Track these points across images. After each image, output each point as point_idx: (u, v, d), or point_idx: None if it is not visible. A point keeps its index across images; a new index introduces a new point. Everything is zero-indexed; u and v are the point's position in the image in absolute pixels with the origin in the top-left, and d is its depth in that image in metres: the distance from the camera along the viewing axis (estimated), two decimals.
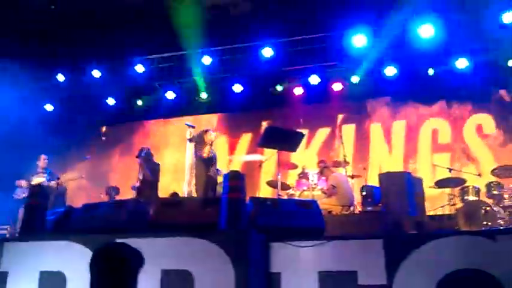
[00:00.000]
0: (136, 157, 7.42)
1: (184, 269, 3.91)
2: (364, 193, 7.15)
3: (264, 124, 10.30)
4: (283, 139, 6.32)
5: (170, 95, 10.87)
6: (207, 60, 10.08)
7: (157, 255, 3.94)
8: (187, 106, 11.00)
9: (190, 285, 3.83)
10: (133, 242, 2.42)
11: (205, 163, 6.82)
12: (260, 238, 4.12)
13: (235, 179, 4.29)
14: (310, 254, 4.00)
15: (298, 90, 10.35)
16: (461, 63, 9.22)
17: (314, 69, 10.00)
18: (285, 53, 9.91)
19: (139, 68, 10.42)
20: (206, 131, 7.10)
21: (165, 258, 4.00)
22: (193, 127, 7.06)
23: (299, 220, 4.53)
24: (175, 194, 7.58)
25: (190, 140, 6.95)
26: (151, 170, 7.39)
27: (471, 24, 8.65)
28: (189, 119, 8.82)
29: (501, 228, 6.16)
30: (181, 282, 3.88)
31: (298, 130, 6.99)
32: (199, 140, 6.97)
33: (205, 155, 6.75)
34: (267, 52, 9.72)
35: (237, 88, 10.46)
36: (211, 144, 6.97)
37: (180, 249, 4.03)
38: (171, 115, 11.26)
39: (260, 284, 4.00)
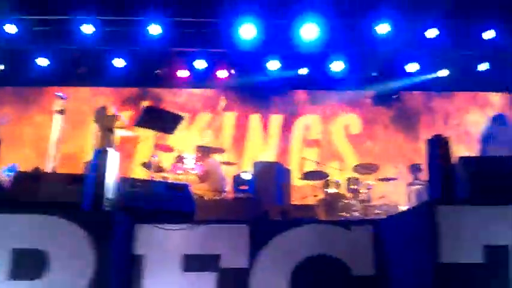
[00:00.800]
0: None
1: (40, 249, 3.63)
2: (236, 180, 7.32)
3: (144, 103, 9.98)
4: (162, 120, 6.18)
5: (43, 61, 9.91)
6: (88, 29, 9.37)
7: (8, 232, 3.63)
8: (62, 76, 10.15)
9: (44, 266, 3.58)
10: None
11: None
12: (126, 219, 3.99)
13: (103, 158, 4.07)
14: (176, 237, 3.99)
15: (183, 73, 10.18)
16: (337, 67, 9.84)
17: (201, 53, 9.91)
18: (173, 33, 9.65)
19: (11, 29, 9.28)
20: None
21: (18, 237, 3.68)
22: (64, 98, 6.55)
23: (169, 203, 4.48)
24: (37, 170, 6.98)
25: (60, 112, 6.45)
26: None
27: (349, 29, 9.30)
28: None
29: (355, 219, 6.75)
30: (35, 262, 3.60)
31: (178, 112, 6.86)
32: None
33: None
34: (154, 30, 9.36)
35: (119, 63, 9.92)
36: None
37: (36, 228, 3.73)
38: (43, 83, 10.31)
39: (122, 266, 3.89)
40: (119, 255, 3.83)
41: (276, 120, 10.46)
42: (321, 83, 10.16)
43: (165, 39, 9.49)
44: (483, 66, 9.75)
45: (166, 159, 8.39)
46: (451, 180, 3.54)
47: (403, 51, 9.61)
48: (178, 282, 3.85)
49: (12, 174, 7.18)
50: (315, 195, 7.78)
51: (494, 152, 6.55)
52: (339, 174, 8.52)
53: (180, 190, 4.69)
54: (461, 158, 3.70)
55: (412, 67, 9.84)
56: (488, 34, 8.99)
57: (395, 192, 8.11)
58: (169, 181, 6.93)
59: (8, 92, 10.49)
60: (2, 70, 9.97)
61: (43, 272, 3.58)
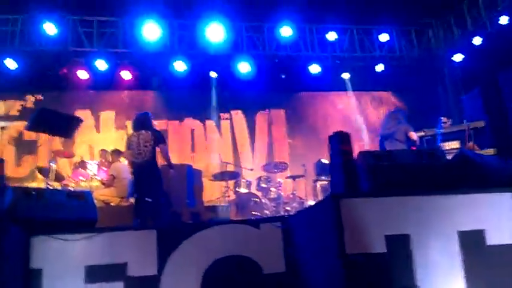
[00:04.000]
0: None
1: None
2: None
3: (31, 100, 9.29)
4: (58, 123, 5.74)
5: None
6: None
7: None
8: None
9: None
10: None
11: None
12: (19, 232, 3.63)
13: None
14: (77, 247, 3.70)
15: (83, 74, 9.60)
16: (244, 68, 9.92)
17: (102, 53, 9.43)
18: (70, 32, 9.09)
19: None
20: None
21: None
22: None
23: (68, 212, 4.16)
24: None
25: None
26: None
27: (254, 31, 9.43)
28: None
29: (264, 217, 6.84)
30: None
31: (76, 115, 6.45)
32: None
33: None
34: (50, 28, 8.73)
35: (11, 64, 9.10)
36: None
37: None
38: None
39: (17, 282, 3.53)
40: (13, 270, 3.47)
41: (189, 123, 10.30)
42: (230, 84, 10.16)
43: (62, 38, 8.92)
44: (379, 68, 10.41)
45: (67, 165, 7.89)
46: (352, 175, 3.66)
47: (305, 53, 9.94)
48: None
49: None
50: (227, 196, 7.76)
51: (392, 147, 7.01)
52: (250, 174, 8.59)
53: (81, 198, 4.38)
54: (361, 152, 3.86)
55: (314, 69, 10.22)
56: (384, 37, 9.62)
57: (304, 189, 8.36)
58: (69, 189, 6.49)
59: None
60: None
61: None
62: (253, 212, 7.30)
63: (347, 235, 3.20)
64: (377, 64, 10.30)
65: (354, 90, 11.09)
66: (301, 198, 7.98)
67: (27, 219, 3.85)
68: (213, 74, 9.98)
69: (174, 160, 9.57)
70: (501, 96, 8.50)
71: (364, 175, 3.69)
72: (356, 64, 10.42)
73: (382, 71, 10.35)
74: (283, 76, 10.37)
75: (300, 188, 8.44)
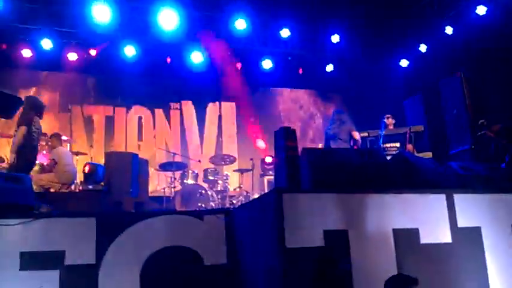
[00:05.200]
0: None
1: None
2: (86, 171, 6.87)
3: None
4: None
5: None
6: None
7: None
8: None
9: None
10: None
11: None
12: None
13: None
14: (13, 233, 3.56)
15: (27, 53, 9.17)
16: (197, 58, 9.82)
17: (48, 32, 9.03)
18: (15, 8, 8.61)
19: None
20: None
21: None
22: None
23: (5, 196, 3.99)
24: None
25: None
26: None
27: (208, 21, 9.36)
28: None
29: (207, 209, 6.86)
30: None
31: (16, 95, 6.14)
32: None
33: None
34: None
35: None
36: None
37: None
38: None
39: None
40: None
41: (137, 110, 10.11)
42: (181, 73, 10.04)
43: (5, 13, 8.45)
44: (329, 68, 10.64)
45: (6, 148, 7.52)
46: (295, 170, 3.74)
47: (258, 47, 10.00)
48: (17, 282, 3.45)
49: None
50: (173, 187, 7.70)
51: (336, 146, 7.23)
52: (197, 166, 8.56)
53: (18, 182, 4.21)
54: (304, 149, 3.95)
55: (266, 64, 10.29)
56: (335, 38, 9.85)
57: (251, 183, 8.44)
58: (6, 172, 6.20)
59: None
60: None
61: None
62: (199, 204, 7.29)
63: (287, 229, 3.27)
64: (327, 64, 10.54)
65: (304, 88, 11.30)
66: (247, 192, 8.06)
67: None
68: (168, 60, 9.80)
69: (120, 148, 9.45)
70: (440, 103, 8.95)
71: (307, 171, 3.78)
72: (307, 62, 10.60)
73: (331, 71, 10.60)
74: (238, 66, 10.37)
75: (247, 182, 8.52)
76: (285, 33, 9.67)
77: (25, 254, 3.53)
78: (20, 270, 3.51)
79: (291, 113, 11.21)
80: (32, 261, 3.54)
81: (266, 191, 8.05)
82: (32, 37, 9.08)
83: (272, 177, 8.09)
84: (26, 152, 6.01)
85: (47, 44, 9.01)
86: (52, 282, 3.52)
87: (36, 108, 6.25)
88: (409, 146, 7.43)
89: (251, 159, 8.69)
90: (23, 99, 6.03)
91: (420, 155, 7.07)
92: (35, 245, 3.59)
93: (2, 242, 3.56)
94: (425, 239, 3.50)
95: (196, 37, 9.53)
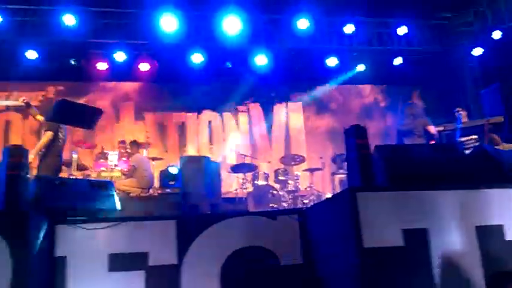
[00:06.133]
0: None
1: None
2: (163, 175, 7.18)
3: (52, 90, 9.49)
4: (79, 115, 5.83)
5: None
6: None
7: None
8: None
9: None
10: None
11: None
12: (43, 220, 3.74)
13: (17, 155, 3.79)
14: (100, 236, 3.81)
15: (102, 65, 9.75)
16: (261, 60, 9.92)
17: (121, 45, 9.55)
18: (90, 24, 9.20)
19: None
20: None
21: None
22: None
23: (91, 201, 4.27)
24: None
25: None
26: None
27: (271, 23, 9.42)
28: None
29: (281, 209, 6.89)
30: None
31: (97, 107, 6.54)
32: None
33: None
34: (69, 20, 8.87)
35: (31, 54, 9.28)
36: None
37: None
38: None
39: (43, 269, 3.65)
40: (39, 258, 3.58)
41: (207, 115, 10.39)
42: (247, 77, 10.19)
43: (82, 30, 9.04)
44: (397, 61, 10.31)
45: (88, 156, 8.05)
46: (368, 168, 3.67)
47: (322, 46, 9.90)
48: (105, 283, 3.68)
49: None
50: (245, 188, 7.83)
51: (409, 141, 6.98)
52: (267, 166, 8.64)
53: (103, 187, 4.49)
54: (377, 146, 3.86)
55: (331, 61, 10.17)
56: (402, 30, 9.53)
57: (321, 182, 8.39)
58: (91, 179, 6.63)
59: None
60: None
61: None
62: (270, 204, 7.36)
63: (364, 228, 3.23)
64: (395, 57, 10.22)
65: (371, 83, 11.03)
66: (318, 191, 8.01)
67: (52, 208, 3.97)
68: (229, 65, 9.99)
69: (193, 152, 9.76)
70: None
71: (381, 169, 3.70)
72: (373, 57, 10.35)
73: (400, 64, 10.27)
74: (301, 65, 10.35)
75: (318, 181, 8.47)
76: (349, 29, 9.51)
77: (113, 255, 3.75)
78: (108, 271, 3.74)
79: (360, 109, 10.99)
80: (119, 262, 3.75)
81: (338, 190, 7.95)
82: (106, 50, 9.63)
83: (343, 175, 7.98)
84: (48, 158, 6.15)
85: (120, 56, 9.51)
86: (138, 282, 3.71)
87: None
88: (495, 137, 6.92)
89: (320, 157, 8.62)
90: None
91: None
92: (121, 247, 3.80)
93: (92, 244, 3.81)
94: (510, 235, 3.31)
95: (260, 40, 9.62)
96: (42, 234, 3.70)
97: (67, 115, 5.58)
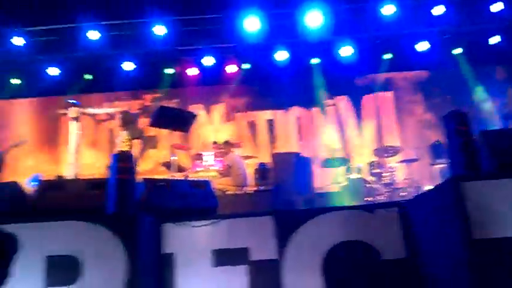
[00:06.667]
0: None
1: (71, 255, 3.67)
2: (257, 172, 7.31)
3: (149, 98, 10.06)
4: (176, 119, 6.18)
5: (53, 71, 9.99)
6: (94, 35, 9.46)
7: (41, 241, 3.65)
8: (71, 84, 10.23)
9: (78, 271, 3.61)
10: (12, 228, 2.20)
11: None
12: (151, 220, 4.01)
13: (124, 160, 4.10)
14: (203, 233, 4.00)
15: (192, 71, 10.19)
16: (346, 51, 9.71)
17: (208, 50, 9.91)
18: (178, 32, 9.67)
19: (18, 41, 9.43)
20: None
21: (50, 244, 3.70)
22: (77, 105, 6.55)
23: (192, 200, 4.49)
24: (60, 177, 7.08)
25: (76, 119, 6.47)
26: None
27: (354, 13, 9.20)
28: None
29: (380, 203, 6.69)
30: (68, 268, 3.63)
31: (191, 111, 6.89)
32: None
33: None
34: (160, 30, 9.40)
35: (128, 66, 9.97)
36: None
37: (66, 234, 3.75)
38: (53, 93, 10.43)
39: (153, 265, 3.92)
40: (148, 255, 3.85)
41: (295, 111, 10.43)
42: (332, 69, 10.05)
43: (171, 38, 9.53)
44: (494, 40, 9.55)
45: (185, 158, 8.45)
46: (473, 156, 3.46)
47: (411, 30, 9.46)
48: (210, 277, 3.86)
49: (36, 184, 7.31)
50: (338, 182, 7.74)
51: None
52: (360, 159, 8.45)
53: (202, 187, 4.71)
54: (482, 132, 3.62)
55: (422, 46, 9.68)
56: (496, 7, 8.81)
57: (419, 173, 8.03)
58: (191, 179, 6.95)
59: (23, 104, 10.61)
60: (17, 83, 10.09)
61: (77, 277, 3.61)
62: (366, 198, 7.20)
63: (471, 219, 3.06)
64: (491, 37, 9.48)
65: (467, 65, 10.32)
66: (416, 183, 7.68)
67: (158, 207, 4.24)
68: (315, 61, 9.91)
69: (284, 149, 9.85)
70: None
71: (486, 156, 3.48)
72: (466, 38, 9.68)
73: (498, 43, 9.50)
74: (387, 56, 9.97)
75: (415, 173, 8.12)
76: (438, 10, 8.99)
77: (215, 251, 3.92)
78: (212, 266, 3.91)
79: (455, 95, 10.34)
80: (221, 258, 3.91)
81: (438, 180, 7.55)
82: (195, 56, 10.05)
83: (443, 165, 7.57)
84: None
85: (208, 60, 9.88)
86: (241, 276, 3.84)
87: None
88: None
89: (416, 147, 8.25)
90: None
91: None
92: (223, 243, 3.96)
93: (195, 241, 4.01)
94: None
95: (344, 30, 9.44)
96: (150, 232, 3.98)
97: (165, 120, 5.94)
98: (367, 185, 7.46)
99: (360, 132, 10.25)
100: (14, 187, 4.50)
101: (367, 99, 10.48)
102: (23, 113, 10.52)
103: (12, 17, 9.17)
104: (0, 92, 10.19)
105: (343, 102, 10.49)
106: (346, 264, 3.85)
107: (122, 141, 6.55)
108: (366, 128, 10.28)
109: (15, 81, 10.09)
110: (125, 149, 6.45)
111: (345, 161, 8.11)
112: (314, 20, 9.00)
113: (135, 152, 6.47)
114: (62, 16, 9.22)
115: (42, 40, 9.65)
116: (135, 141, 6.55)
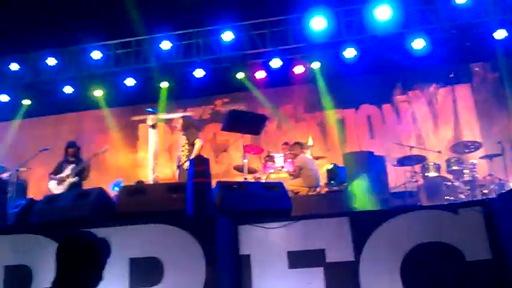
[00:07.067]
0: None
1: (153, 257, 3.84)
2: (329, 173, 7.24)
3: (219, 103, 10.29)
4: (247, 122, 6.28)
5: (130, 81, 10.55)
6: (166, 45, 9.87)
7: (124, 244, 3.85)
8: (146, 93, 10.74)
9: (160, 272, 3.78)
10: (99, 232, 2.35)
11: None
12: (227, 222, 4.10)
13: (201, 164, 4.24)
14: (278, 234, 4.02)
15: (260, 74, 10.29)
16: (418, 44, 9.35)
17: (275, 52, 9.98)
18: (245, 37, 9.83)
19: (96, 55, 10.09)
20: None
21: (133, 247, 3.91)
22: (154, 113, 6.86)
23: (266, 202, 4.53)
24: (140, 182, 7.44)
25: (153, 127, 6.78)
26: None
27: (424, 3, 8.85)
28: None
29: (461, 201, 6.37)
30: (150, 269, 3.81)
31: (261, 113, 6.96)
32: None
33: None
34: (227, 36, 9.61)
35: (199, 73, 10.29)
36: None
37: (147, 237, 3.95)
38: (130, 103, 11.01)
39: (230, 266, 4.00)
40: (226, 256, 3.93)
41: (365, 109, 10.24)
42: (404, 64, 9.71)
43: (238, 43, 9.71)
44: None
45: (256, 160, 8.56)
46: None
47: (486, 19, 8.90)
48: (286, 279, 3.87)
49: (118, 189, 7.76)
50: (415, 181, 7.45)
51: None
52: (437, 156, 8.06)
53: (275, 189, 4.74)
54: None
55: (500, 34, 9.08)
56: None
57: (503, 169, 7.50)
58: (263, 181, 7.03)
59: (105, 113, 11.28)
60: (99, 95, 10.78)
61: (159, 278, 3.77)
62: (445, 197, 6.87)
63: None
64: None
65: None
66: (500, 180, 7.20)
67: (233, 210, 4.33)
68: (384, 56, 9.62)
69: (354, 148, 9.66)
70: None
71: None
72: None
73: None
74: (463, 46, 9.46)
75: (498, 169, 7.61)
76: None
77: (291, 253, 3.93)
78: (288, 268, 3.92)
79: None
80: (298, 259, 3.91)
81: None
82: (263, 59, 10.15)
83: None
84: None
85: (276, 63, 9.94)
86: (318, 278, 3.82)
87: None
88: None
89: (499, 142, 7.74)
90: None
91: None
92: (299, 245, 3.96)
93: (270, 243, 4.04)
94: None
95: (415, 23, 9.09)
96: (227, 234, 4.07)
97: (237, 124, 6.07)
98: (447, 183, 7.11)
99: (436, 128, 9.80)
100: (100, 193, 4.79)
101: (443, 93, 9.99)
102: (104, 122, 11.19)
103: (90, 33, 9.83)
104: (85, 103, 10.92)
105: (416, 97, 10.08)
106: (426, 266, 3.71)
107: (182, 145, 6.75)
108: (443, 123, 9.80)
109: (97, 92, 10.72)
110: (185, 153, 6.63)
111: (420, 158, 7.79)
112: (383, 13, 8.77)
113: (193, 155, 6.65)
114: (133, 30, 9.76)
115: (117, 53, 10.26)
116: (196, 140, 6.71)
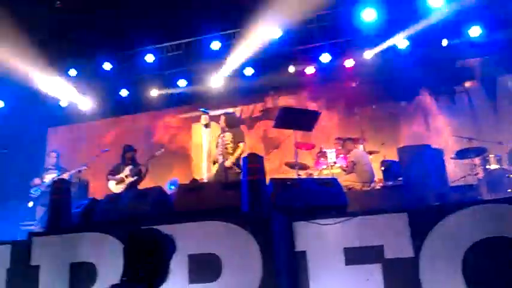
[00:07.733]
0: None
1: (211, 253, 3.92)
2: (383, 168, 7.10)
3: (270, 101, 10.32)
4: (299, 119, 6.28)
5: (182, 83, 10.81)
6: (215, 45, 10.03)
7: (183, 240, 3.92)
8: (198, 94, 10.95)
9: (218, 268, 3.85)
10: (160, 229, 2.43)
11: None
12: (283, 218, 4.12)
13: (255, 162, 4.28)
14: (334, 231, 3.99)
15: (310, 70, 10.23)
16: (475, 32, 8.94)
17: (325, 47, 9.88)
18: (294, 32, 9.79)
19: (149, 58, 10.43)
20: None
21: (191, 243, 3.99)
22: (207, 112, 6.97)
23: (321, 198, 4.52)
24: (195, 181, 7.61)
25: (206, 126, 6.89)
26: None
27: None
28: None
29: None
30: (209, 265, 3.89)
31: (314, 109, 6.94)
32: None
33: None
34: (275, 33, 9.62)
35: (248, 71, 10.37)
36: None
37: (205, 234, 4.03)
38: (183, 104, 11.27)
39: (286, 263, 4.02)
40: (282, 253, 3.95)
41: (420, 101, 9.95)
42: (461, 53, 9.32)
43: (287, 40, 9.69)
44: None
45: (308, 156, 8.51)
46: None
47: None
48: (343, 276, 3.84)
49: (174, 187, 7.98)
50: (475, 174, 7.15)
51: None
52: (498, 148, 7.69)
53: (330, 185, 4.71)
54: None
55: None
56: None
57: None
58: (317, 177, 7.00)
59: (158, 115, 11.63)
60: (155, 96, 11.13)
61: (217, 274, 3.85)
62: (508, 190, 6.55)
63: None
64: None
65: None
66: None
67: (287, 206, 4.34)
68: (444, 42, 9.24)
69: (409, 142, 9.37)
70: None
71: None
72: None
73: None
74: None
75: None
76: None
77: (348, 249, 3.89)
78: (345, 265, 3.89)
79: None
80: (355, 256, 3.86)
81: None
82: (312, 54, 10.08)
83: None
84: None
85: (325, 58, 9.84)
86: (376, 275, 3.76)
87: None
88: None
89: None
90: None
91: None
92: (356, 241, 3.91)
93: (327, 239, 4.02)
94: None
95: (473, 9, 8.69)
96: (283, 231, 4.09)
97: (289, 120, 6.08)
98: (509, 176, 6.77)
99: (496, 118, 9.34)
100: (158, 192, 4.96)
101: (503, 81, 9.51)
102: (159, 122, 11.56)
103: (144, 37, 10.14)
104: (143, 104, 11.30)
105: (474, 87, 9.66)
106: (490, 262, 3.57)
107: (226, 142, 6.81)
108: (503, 112, 9.32)
109: (153, 92, 11.04)
110: (228, 151, 6.70)
111: (480, 150, 7.46)
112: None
113: (237, 154, 6.69)
114: (183, 32, 9.98)
115: (169, 56, 10.54)
116: (240, 144, 6.79)
